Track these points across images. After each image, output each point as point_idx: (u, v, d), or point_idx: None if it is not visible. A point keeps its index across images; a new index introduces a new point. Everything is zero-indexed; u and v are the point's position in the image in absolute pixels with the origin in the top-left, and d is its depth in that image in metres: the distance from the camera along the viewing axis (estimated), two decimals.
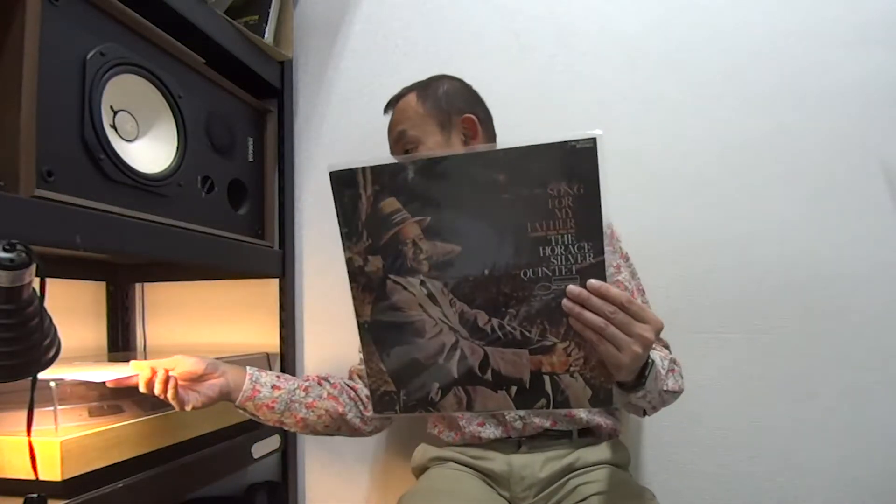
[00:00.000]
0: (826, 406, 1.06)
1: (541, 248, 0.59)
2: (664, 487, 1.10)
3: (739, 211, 1.10)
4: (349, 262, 0.64)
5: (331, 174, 0.62)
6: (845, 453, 1.05)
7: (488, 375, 0.64)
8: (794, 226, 1.08)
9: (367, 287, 0.64)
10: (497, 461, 0.89)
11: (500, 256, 0.60)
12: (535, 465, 0.87)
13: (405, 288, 0.63)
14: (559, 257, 0.59)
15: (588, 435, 0.92)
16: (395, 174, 0.61)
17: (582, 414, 0.90)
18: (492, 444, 0.91)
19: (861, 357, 1.05)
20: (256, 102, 1.17)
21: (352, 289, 0.65)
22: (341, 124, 1.30)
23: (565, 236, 0.59)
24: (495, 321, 0.62)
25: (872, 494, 1.04)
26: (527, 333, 0.62)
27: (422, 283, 0.63)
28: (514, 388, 0.64)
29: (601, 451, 0.90)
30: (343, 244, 0.64)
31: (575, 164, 0.57)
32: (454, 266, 0.62)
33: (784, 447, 1.07)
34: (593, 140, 0.56)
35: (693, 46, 1.13)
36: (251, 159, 1.16)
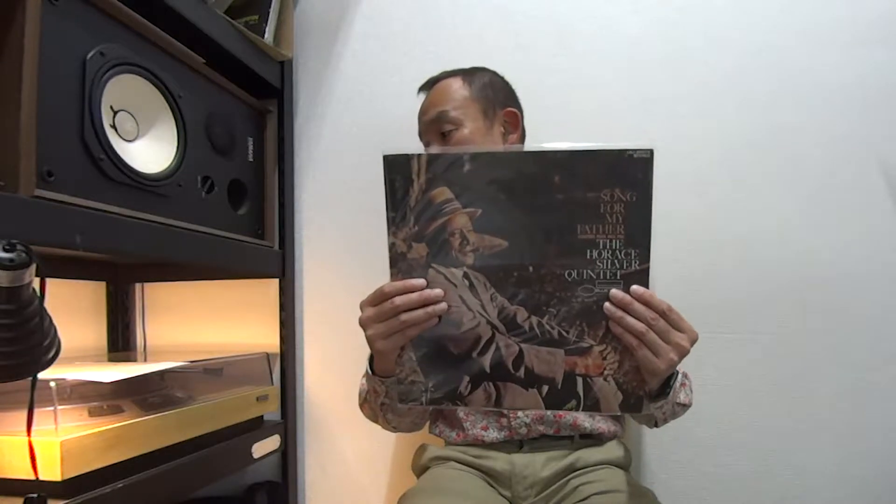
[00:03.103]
0: (826, 406, 1.06)
1: (588, 251, 0.60)
2: (664, 487, 1.10)
3: (739, 211, 1.10)
4: (392, 247, 0.64)
5: (385, 157, 0.62)
6: (845, 453, 1.05)
7: (521, 373, 0.64)
8: (794, 226, 1.08)
9: (407, 274, 0.64)
10: (499, 460, 0.89)
11: (546, 255, 0.61)
12: (536, 464, 0.88)
13: (447, 278, 0.63)
14: (605, 261, 0.60)
15: (589, 437, 0.92)
16: (450, 164, 0.61)
17: (585, 423, 0.90)
18: (493, 445, 0.91)
19: (861, 357, 1.05)
20: (256, 102, 1.17)
21: (392, 275, 0.65)
22: (341, 124, 1.30)
23: (614, 241, 0.60)
24: (534, 319, 0.62)
25: (872, 494, 1.04)
26: (564, 334, 0.62)
27: (465, 274, 0.63)
28: (545, 388, 0.63)
29: (602, 452, 0.90)
30: (388, 229, 0.63)
31: (631, 172, 0.58)
32: (499, 260, 0.62)
33: (784, 447, 1.07)
34: (650, 151, 0.57)
35: (693, 46, 1.13)
36: (251, 159, 1.16)
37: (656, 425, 0.81)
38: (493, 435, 0.91)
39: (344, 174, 1.28)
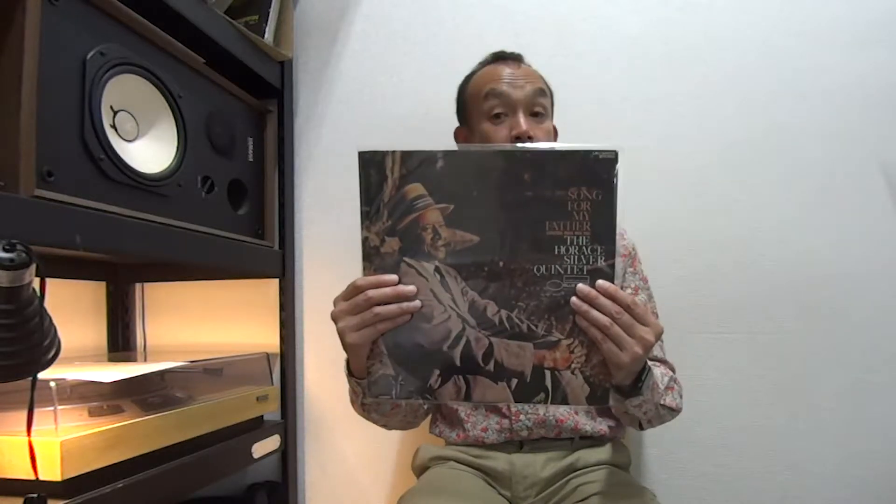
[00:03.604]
0: (826, 406, 1.06)
1: (556, 247, 0.62)
2: (664, 487, 1.10)
3: (739, 211, 1.10)
4: (365, 241, 0.65)
5: (360, 154, 0.63)
6: (845, 453, 1.05)
7: (490, 366, 0.64)
8: (794, 226, 1.08)
9: (380, 268, 0.65)
10: (499, 460, 0.89)
11: (516, 250, 0.63)
12: (536, 464, 0.88)
13: (419, 272, 0.64)
14: (573, 257, 0.62)
15: (589, 438, 0.92)
16: (424, 161, 0.63)
17: (587, 427, 0.90)
18: (494, 445, 0.91)
19: (861, 357, 1.05)
20: (256, 102, 1.17)
21: (364, 269, 0.66)
22: (341, 124, 1.30)
23: (580, 238, 0.62)
24: (504, 313, 0.64)
25: (872, 494, 1.04)
26: (533, 327, 0.63)
27: (436, 269, 0.64)
28: (514, 381, 0.64)
29: (602, 452, 0.90)
30: (361, 223, 0.64)
31: (596, 171, 0.61)
32: (471, 255, 0.63)
33: (784, 447, 1.07)
34: (615, 152, 0.60)
35: (693, 46, 1.13)
36: (251, 159, 1.16)
37: (641, 427, 0.81)
38: (493, 437, 0.91)
39: (344, 174, 1.28)
